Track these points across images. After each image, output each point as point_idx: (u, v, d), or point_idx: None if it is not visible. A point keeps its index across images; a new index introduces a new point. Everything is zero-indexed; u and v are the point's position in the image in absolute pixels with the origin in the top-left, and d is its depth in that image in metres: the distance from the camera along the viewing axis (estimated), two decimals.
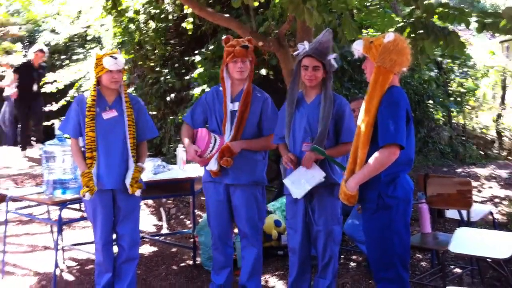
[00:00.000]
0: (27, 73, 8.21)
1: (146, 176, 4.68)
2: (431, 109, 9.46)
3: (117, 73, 3.73)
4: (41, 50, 8.37)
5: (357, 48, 3.14)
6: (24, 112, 8.46)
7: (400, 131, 2.90)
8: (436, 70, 9.36)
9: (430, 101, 9.24)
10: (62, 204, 4.23)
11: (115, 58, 3.69)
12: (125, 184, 3.75)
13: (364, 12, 5.28)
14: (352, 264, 4.79)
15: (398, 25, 4.47)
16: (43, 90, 8.41)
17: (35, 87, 8.22)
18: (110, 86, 3.76)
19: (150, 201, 6.74)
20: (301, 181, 3.52)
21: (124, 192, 3.78)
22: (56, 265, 4.23)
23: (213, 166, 3.82)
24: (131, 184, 3.72)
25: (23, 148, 8.62)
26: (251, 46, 3.81)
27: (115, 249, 3.98)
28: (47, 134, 7.69)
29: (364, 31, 6.85)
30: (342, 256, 4.89)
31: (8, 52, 9.34)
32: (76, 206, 4.71)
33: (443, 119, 10.03)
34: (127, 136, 3.75)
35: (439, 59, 9.25)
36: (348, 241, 5.05)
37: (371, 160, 2.95)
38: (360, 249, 4.56)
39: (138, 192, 3.76)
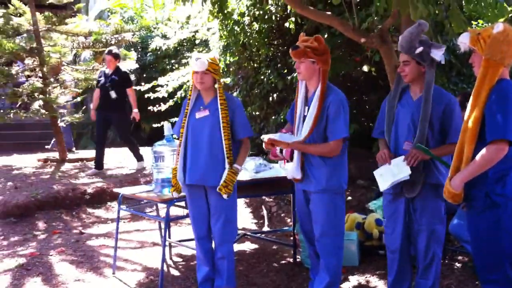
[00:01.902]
0: (103, 82, 7.78)
1: (247, 175, 4.78)
2: None
3: (202, 74, 3.82)
4: (110, 53, 7.79)
5: (463, 41, 2.99)
6: (101, 126, 7.85)
7: (509, 126, 2.74)
8: None
9: None
10: (170, 202, 4.40)
11: (197, 60, 3.80)
12: (213, 182, 3.83)
13: (473, 2, 4.99)
14: (458, 264, 4.57)
15: (510, 15, 4.19)
16: (156, 95, 8.73)
17: (112, 95, 7.64)
18: (197, 86, 3.89)
19: (252, 200, 6.84)
20: (389, 175, 3.46)
21: (214, 189, 3.86)
22: (163, 261, 4.41)
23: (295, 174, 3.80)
24: (220, 186, 3.78)
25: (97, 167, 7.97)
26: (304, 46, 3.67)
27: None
28: (159, 135, 8.02)
29: (473, 22, 6.49)
30: (447, 257, 4.67)
31: (123, 59, 9.88)
32: (183, 203, 4.89)
33: None
34: (222, 137, 3.81)
35: None
36: (453, 241, 4.82)
37: (477, 156, 2.81)
38: (466, 249, 4.36)
39: (225, 196, 3.81)
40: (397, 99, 3.61)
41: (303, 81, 3.82)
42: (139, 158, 8.17)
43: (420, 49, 3.39)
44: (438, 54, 3.41)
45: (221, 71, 8.04)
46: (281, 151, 3.85)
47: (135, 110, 7.96)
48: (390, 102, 3.62)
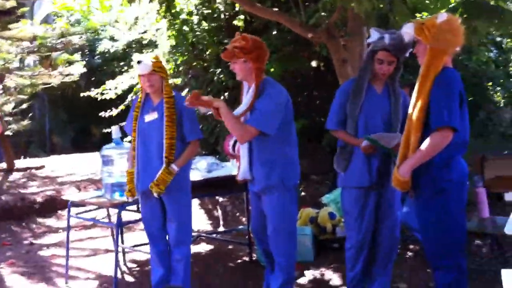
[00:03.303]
0: None
1: (200, 175, 4.71)
2: (491, 91, 9.06)
3: (148, 76, 3.72)
4: None
5: (408, 31, 3.03)
6: None
7: (453, 113, 2.79)
8: (495, 51, 8.96)
9: (490, 83, 8.86)
10: (121, 206, 4.29)
11: (139, 63, 3.71)
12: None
13: None
14: (409, 253, 4.67)
15: (450, 6, 4.29)
16: (104, 96, 8.53)
17: None
18: (146, 90, 3.80)
19: (206, 200, 6.79)
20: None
21: (166, 193, 3.76)
22: (116, 267, 4.30)
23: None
24: (152, 184, 3.69)
25: None
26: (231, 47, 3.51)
27: None
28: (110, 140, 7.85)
29: (417, 15, 6.62)
30: (399, 246, 4.73)
31: (69, 63, 9.66)
32: (134, 207, 4.79)
33: (503, 100, 9.60)
34: (164, 135, 3.71)
35: (499, 39, 8.85)
36: (405, 230, 4.89)
37: (423, 144, 2.86)
38: (417, 237, 4.42)
39: (155, 194, 3.71)
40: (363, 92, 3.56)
41: (243, 81, 3.73)
42: None
43: (409, 50, 3.42)
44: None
45: (170, 71, 7.99)
46: (233, 147, 3.79)
47: None
48: (356, 94, 3.55)
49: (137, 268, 5.03)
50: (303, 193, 6.38)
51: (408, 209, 4.35)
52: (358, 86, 3.58)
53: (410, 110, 2.99)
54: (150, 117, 3.82)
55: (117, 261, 4.34)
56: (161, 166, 3.71)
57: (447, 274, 2.97)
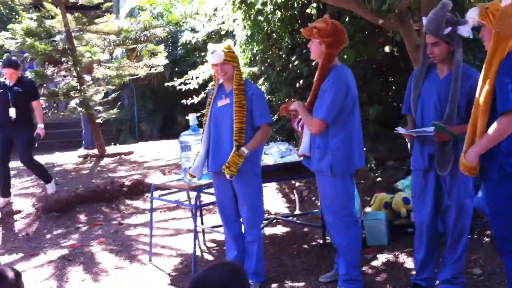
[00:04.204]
0: (3, 95, 6.46)
1: (272, 160, 4.90)
2: None
3: (221, 65, 3.94)
4: (7, 64, 6.48)
5: (472, 16, 3.03)
6: (2, 146, 6.51)
7: None
8: None
9: None
10: (198, 189, 4.57)
11: (212, 53, 3.92)
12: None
13: None
14: (486, 239, 4.59)
15: None
16: (187, 86, 8.88)
17: (12, 112, 6.39)
18: (219, 78, 4.02)
19: (283, 185, 6.97)
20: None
21: (236, 177, 3.96)
22: (195, 246, 4.58)
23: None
24: (224, 167, 3.88)
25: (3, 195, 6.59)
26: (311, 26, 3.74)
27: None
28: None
29: None
30: (476, 232, 4.69)
31: (153, 54, 10.11)
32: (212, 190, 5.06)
33: None
34: (233, 120, 3.91)
35: None
36: (482, 216, 4.83)
37: (490, 129, 2.86)
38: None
39: (228, 176, 3.90)
40: (423, 77, 3.64)
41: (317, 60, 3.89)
42: (48, 179, 6.95)
43: (448, 30, 3.41)
44: (464, 30, 3.42)
45: (247, 59, 8.20)
46: (297, 124, 3.97)
47: (41, 126, 6.75)
48: (416, 80, 3.65)
49: (216, 248, 5.31)
50: (379, 179, 6.40)
51: (483, 195, 4.31)
52: (417, 72, 3.63)
53: (476, 96, 2.99)
54: (223, 102, 4.05)
55: (196, 240, 4.63)
56: (231, 149, 3.92)
57: None
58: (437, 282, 3.75)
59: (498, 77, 2.84)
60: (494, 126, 2.84)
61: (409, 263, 4.41)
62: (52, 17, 8.77)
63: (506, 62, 2.84)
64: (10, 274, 2.08)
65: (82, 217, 6.62)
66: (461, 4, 5.32)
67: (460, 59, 3.47)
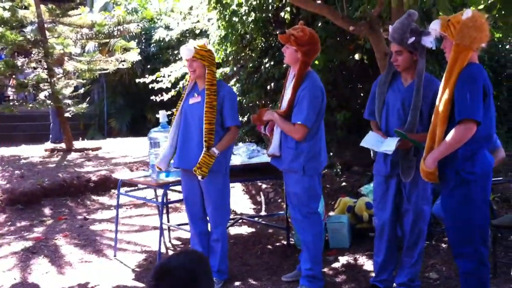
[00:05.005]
0: None
1: (240, 160, 4.96)
2: None
3: (190, 61, 4.00)
4: None
5: (435, 28, 3.15)
6: None
7: (476, 106, 2.90)
8: None
9: None
10: (166, 186, 4.60)
11: (183, 47, 3.99)
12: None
13: None
14: (444, 245, 4.73)
15: (489, 1, 4.31)
16: (159, 84, 8.85)
17: None
18: (190, 74, 4.08)
19: (250, 186, 7.03)
20: (376, 142, 3.65)
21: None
22: (160, 243, 4.60)
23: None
24: (195, 168, 3.92)
25: None
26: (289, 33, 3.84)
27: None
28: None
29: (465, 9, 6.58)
30: (434, 238, 4.84)
31: (125, 49, 10.07)
32: (180, 188, 5.09)
33: None
34: (203, 120, 3.95)
35: None
36: (440, 223, 4.99)
37: (448, 136, 2.98)
38: None
39: (199, 177, 3.95)
40: (388, 84, 3.75)
41: (289, 65, 4.01)
42: None
43: (412, 39, 3.51)
44: (428, 41, 3.52)
45: (219, 60, 8.24)
46: (264, 128, 4.06)
47: None
48: (381, 87, 3.75)
49: (181, 245, 5.34)
50: (344, 183, 6.52)
51: (440, 202, 4.45)
52: (382, 79, 3.74)
53: (436, 104, 3.11)
54: (194, 100, 4.10)
55: (161, 237, 4.65)
56: (199, 147, 3.97)
57: (468, 262, 3.10)
58: (394, 284, 3.87)
59: (457, 86, 2.97)
60: (451, 133, 2.96)
61: (369, 265, 4.51)
62: (26, 7, 8.67)
63: (465, 72, 2.97)
64: None
65: (47, 211, 6.56)
66: (430, 15, 5.47)
67: (422, 68, 3.57)
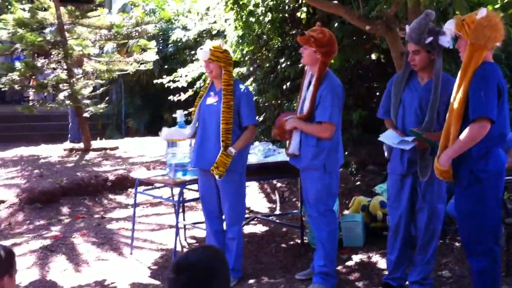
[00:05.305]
0: None
1: (256, 159, 4.99)
2: None
3: (207, 63, 4.07)
4: None
5: (449, 27, 3.17)
6: None
7: (490, 105, 2.91)
8: None
9: None
10: (182, 184, 4.66)
11: (200, 49, 4.06)
12: None
13: None
14: (457, 244, 4.73)
15: (505, 0, 4.28)
16: (175, 84, 8.92)
17: None
18: (208, 76, 4.14)
19: (265, 185, 7.07)
20: (394, 138, 3.66)
21: None
22: (176, 241, 4.66)
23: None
24: (212, 167, 3.99)
25: None
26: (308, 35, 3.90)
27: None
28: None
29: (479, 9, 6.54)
30: (448, 237, 4.83)
31: (143, 50, 10.15)
32: (196, 187, 5.13)
33: None
34: (220, 120, 4.01)
35: None
36: (454, 222, 4.97)
37: (462, 135, 2.99)
38: None
39: (217, 177, 4.01)
40: (405, 83, 3.76)
41: (306, 66, 4.06)
42: None
43: (430, 39, 3.53)
44: (445, 41, 3.53)
45: (236, 60, 8.28)
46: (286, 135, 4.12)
47: None
48: (397, 86, 3.77)
49: (197, 244, 5.39)
50: (358, 182, 6.52)
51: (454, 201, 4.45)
52: (398, 78, 3.75)
53: (451, 102, 3.12)
54: (211, 100, 4.16)
55: (177, 235, 4.71)
56: (216, 147, 4.02)
57: (481, 260, 3.11)
58: (407, 282, 3.87)
59: (472, 85, 2.98)
60: (465, 132, 2.97)
61: (382, 264, 4.53)
62: (45, 9, 8.80)
63: (480, 71, 2.97)
64: (1, 253, 2.10)
65: (65, 210, 6.66)
66: (447, 14, 5.45)
67: (440, 68, 3.59)
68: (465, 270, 4.18)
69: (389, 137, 3.71)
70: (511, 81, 8.37)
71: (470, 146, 2.99)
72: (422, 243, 3.76)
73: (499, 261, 3.13)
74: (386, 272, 4.00)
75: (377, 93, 7.10)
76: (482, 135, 2.94)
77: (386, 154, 3.89)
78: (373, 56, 6.39)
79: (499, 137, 3.05)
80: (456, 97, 3.05)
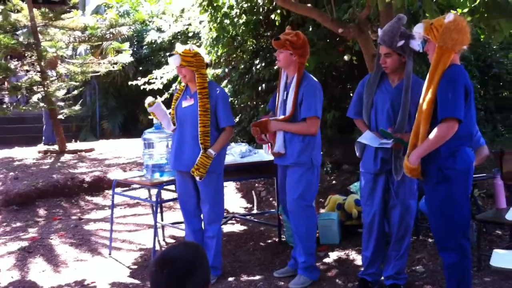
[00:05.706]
0: None
1: (233, 160, 5.08)
2: None
3: (179, 68, 4.14)
4: None
5: (418, 31, 3.28)
6: None
7: (458, 106, 3.03)
8: None
9: None
10: (160, 185, 4.71)
11: (170, 56, 4.13)
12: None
13: None
14: (430, 240, 4.87)
15: (473, 5, 4.44)
16: (151, 86, 8.94)
17: None
18: (182, 80, 4.21)
19: (242, 185, 7.15)
20: (373, 140, 3.77)
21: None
22: (155, 241, 4.71)
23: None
24: (193, 169, 4.07)
25: None
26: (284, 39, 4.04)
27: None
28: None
29: (452, 11, 6.74)
30: (421, 233, 4.99)
31: (118, 51, 10.16)
32: (173, 187, 5.19)
33: None
34: (198, 123, 4.08)
35: None
36: (426, 219, 5.13)
37: (431, 134, 3.11)
38: None
39: (197, 178, 4.09)
40: (376, 85, 3.88)
41: (282, 69, 4.16)
42: None
43: (401, 43, 3.65)
44: (416, 44, 3.64)
45: (207, 60, 8.33)
46: (265, 135, 4.19)
47: None
48: (369, 87, 3.87)
49: (175, 243, 5.42)
50: (334, 181, 6.66)
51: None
52: (370, 79, 3.87)
53: (420, 103, 3.25)
54: (187, 103, 4.22)
55: (155, 235, 4.76)
56: (194, 149, 4.10)
57: (451, 254, 3.23)
58: (382, 277, 4.01)
59: (440, 86, 3.10)
60: (434, 131, 3.09)
61: (358, 260, 4.65)
62: (18, 11, 8.74)
63: (448, 73, 3.10)
64: None
65: (42, 212, 6.65)
66: (418, 17, 5.61)
67: (410, 70, 3.72)
68: (438, 265, 4.31)
69: (368, 139, 3.82)
70: (480, 82, 8.66)
71: (438, 145, 3.11)
72: (396, 239, 3.89)
73: (469, 255, 3.25)
74: (362, 268, 4.11)
75: (351, 94, 7.26)
76: (450, 135, 3.06)
77: (358, 153, 4.00)
78: (346, 58, 6.53)
79: (467, 136, 3.18)
80: (425, 98, 3.17)
